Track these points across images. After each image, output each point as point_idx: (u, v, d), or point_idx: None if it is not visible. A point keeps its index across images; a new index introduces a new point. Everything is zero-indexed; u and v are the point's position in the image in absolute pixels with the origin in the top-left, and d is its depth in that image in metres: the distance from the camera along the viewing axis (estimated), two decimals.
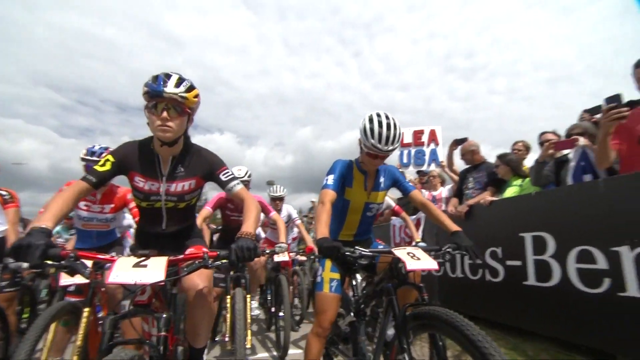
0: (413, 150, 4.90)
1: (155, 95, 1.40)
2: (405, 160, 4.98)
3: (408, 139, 4.91)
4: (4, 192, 2.73)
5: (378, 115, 1.77)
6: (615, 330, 2.16)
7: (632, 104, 2.37)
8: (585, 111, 3.58)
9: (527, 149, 3.99)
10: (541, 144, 3.65)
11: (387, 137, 1.71)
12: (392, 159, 5.03)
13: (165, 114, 1.41)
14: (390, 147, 1.74)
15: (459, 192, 4.13)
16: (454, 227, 1.74)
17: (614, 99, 2.20)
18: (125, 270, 1.11)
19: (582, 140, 2.70)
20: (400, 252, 1.45)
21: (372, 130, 1.73)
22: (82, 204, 2.49)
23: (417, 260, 1.40)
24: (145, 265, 1.14)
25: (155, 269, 1.13)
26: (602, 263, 2.24)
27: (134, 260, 1.17)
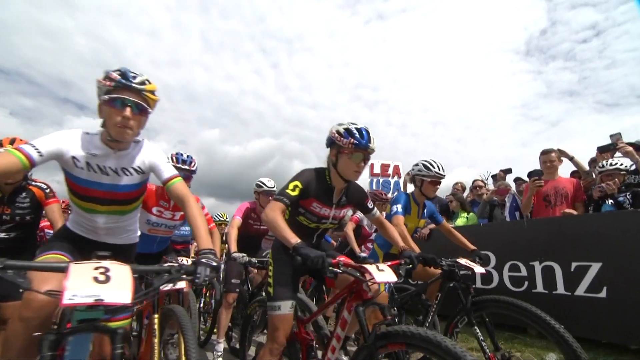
0: (381, 180, 6.03)
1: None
2: (374, 187, 6.05)
3: (377, 169, 6.03)
4: (42, 185, 2.47)
5: (432, 160, 2.70)
6: None
7: (537, 173, 3.90)
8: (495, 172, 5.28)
9: (464, 188, 5.53)
10: (473, 188, 5.20)
11: (441, 166, 2.67)
12: (364, 186, 6.05)
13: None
14: (445, 172, 2.69)
15: None
16: (471, 246, 2.70)
17: (537, 173, 3.64)
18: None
19: (513, 189, 4.18)
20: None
21: (431, 164, 2.62)
22: (154, 210, 2.53)
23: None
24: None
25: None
26: (524, 272, 3.60)
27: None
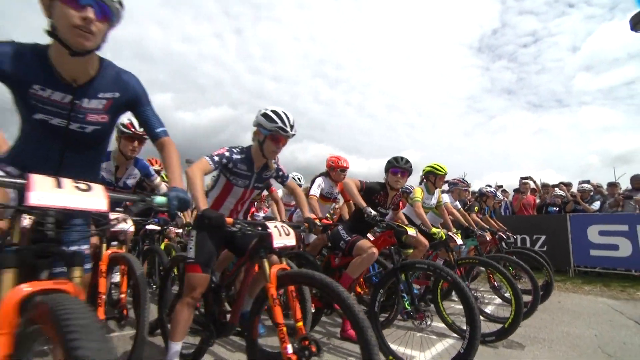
0: None
1: None
2: None
3: None
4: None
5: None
6: None
7: (520, 191, 7.98)
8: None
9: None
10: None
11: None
12: None
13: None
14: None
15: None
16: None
17: (520, 191, 7.73)
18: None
19: (504, 199, 8.28)
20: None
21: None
22: None
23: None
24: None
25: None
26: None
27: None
